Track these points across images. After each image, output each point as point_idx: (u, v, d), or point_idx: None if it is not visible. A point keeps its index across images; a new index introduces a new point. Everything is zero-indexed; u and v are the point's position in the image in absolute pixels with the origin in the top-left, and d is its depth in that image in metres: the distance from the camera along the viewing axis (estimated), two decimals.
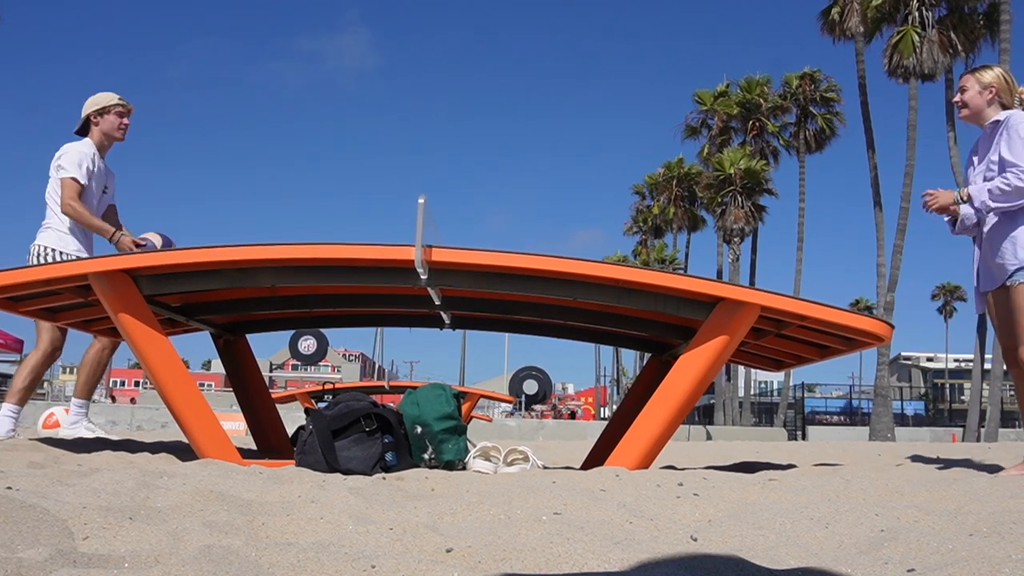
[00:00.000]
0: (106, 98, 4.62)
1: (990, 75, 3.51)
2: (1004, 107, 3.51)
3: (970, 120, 3.59)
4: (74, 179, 4.44)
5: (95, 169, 4.56)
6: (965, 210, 3.51)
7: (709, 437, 25.62)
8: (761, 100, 35.32)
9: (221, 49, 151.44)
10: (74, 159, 4.47)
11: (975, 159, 3.60)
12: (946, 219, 3.63)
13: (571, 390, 64.14)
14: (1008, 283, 3.37)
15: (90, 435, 4.73)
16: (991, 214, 3.45)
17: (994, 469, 3.64)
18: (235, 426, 16.51)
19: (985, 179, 3.46)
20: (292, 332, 30.83)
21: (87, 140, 4.60)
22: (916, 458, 4.64)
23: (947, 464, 3.96)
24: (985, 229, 3.52)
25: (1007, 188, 3.33)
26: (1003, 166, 3.38)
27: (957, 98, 3.59)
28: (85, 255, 4.49)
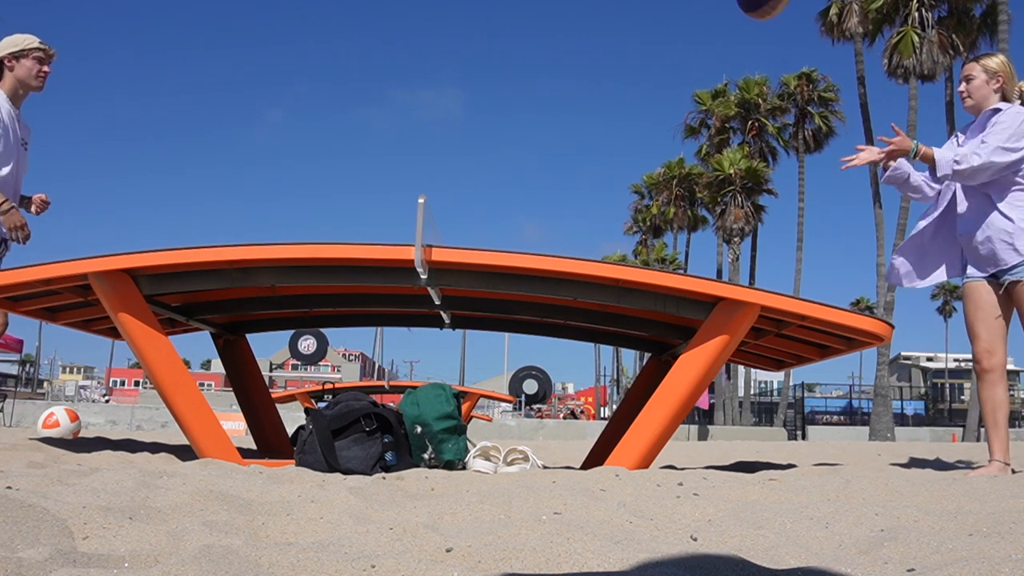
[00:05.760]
0: (24, 40, 3.87)
1: (996, 62, 3.28)
2: (1005, 99, 3.30)
3: (974, 112, 3.33)
4: None
5: (11, 120, 3.83)
6: (904, 165, 3.35)
7: (704, 437, 25.55)
8: (760, 100, 35.32)
9: (320, 94, 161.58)
10: None
11: (961, 138, 3.37)
12: (882, 167, 3.44)
13: (571, 390, 64.09)
14: (1008, 278, 3.16)
15: None
16: (968, 195, 3.25)
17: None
18: (235, 426, 16.52)
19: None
20: (292, 332, 30.83)
21: None
22: (916, 458, 4.64)
23: (946, 466, 3.97)
24: (962, 209, 3.30)
25: (976, 159, 3.10)
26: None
27: (962, 87, 3.36)
28: None
